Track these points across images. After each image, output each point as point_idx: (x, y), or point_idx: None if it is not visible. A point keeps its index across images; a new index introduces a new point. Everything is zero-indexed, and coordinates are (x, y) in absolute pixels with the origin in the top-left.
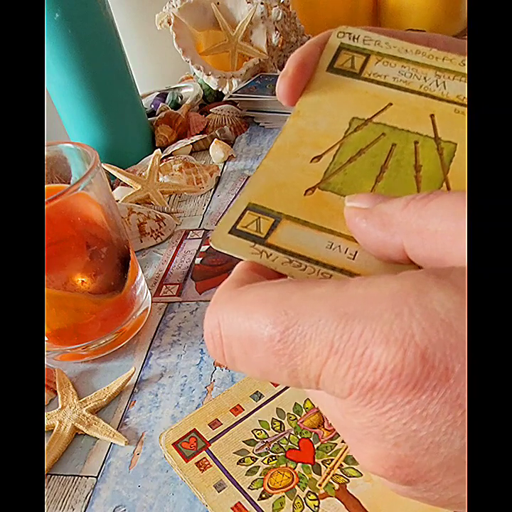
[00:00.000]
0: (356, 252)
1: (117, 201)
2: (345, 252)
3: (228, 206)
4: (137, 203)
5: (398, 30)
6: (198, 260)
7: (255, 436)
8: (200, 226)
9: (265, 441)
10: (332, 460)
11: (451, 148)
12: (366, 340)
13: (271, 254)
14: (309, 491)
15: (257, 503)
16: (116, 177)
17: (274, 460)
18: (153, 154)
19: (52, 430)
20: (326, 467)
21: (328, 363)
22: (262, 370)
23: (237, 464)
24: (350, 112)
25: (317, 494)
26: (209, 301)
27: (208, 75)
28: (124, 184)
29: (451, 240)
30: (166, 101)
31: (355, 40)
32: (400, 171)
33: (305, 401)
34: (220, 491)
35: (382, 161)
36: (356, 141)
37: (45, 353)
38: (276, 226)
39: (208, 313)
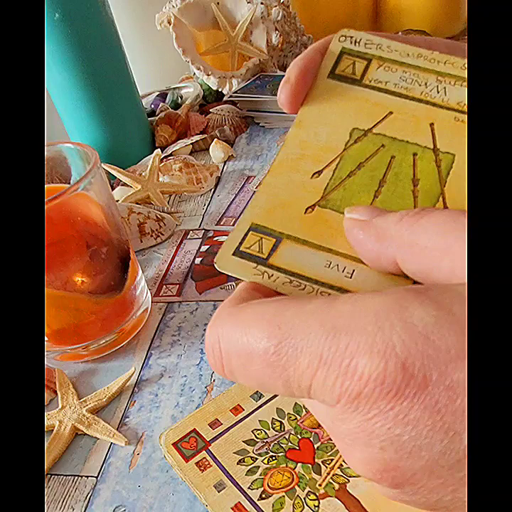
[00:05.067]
0: (353, 271)
1: (117, 201)
2: (343, 271)
3: (228, 206)
4: (137, 203)
5: (400, 35)
6: (198, 260)
7: (255, 436)
8: (200, 226)
9: (265, 441)
10: (332, 460)
11: (449, 159)
12: (352, 352)
13: (272, 275)
14: (309, 491)
15: (257, 503)
16: (116, 177)
17: (274, 460)
18: (153, 154)
19: (52, 430)
20: (326, 467)
21: (318, 374)
22: (258, 382)
23: (237, 464)
24: (350, 121)
25: (317, 494)
26: (209, 301)
27: (208, 75)
28: (124, 184)
29: (438, 256)
30: (166, 101)
31: (357, 43)
32: (398, 185)
33: None
34: (220, 491)
35: (381, 175)
36: (356, 154)
37: (45, 353)
38: (278, 246)
39: (209, 328)
